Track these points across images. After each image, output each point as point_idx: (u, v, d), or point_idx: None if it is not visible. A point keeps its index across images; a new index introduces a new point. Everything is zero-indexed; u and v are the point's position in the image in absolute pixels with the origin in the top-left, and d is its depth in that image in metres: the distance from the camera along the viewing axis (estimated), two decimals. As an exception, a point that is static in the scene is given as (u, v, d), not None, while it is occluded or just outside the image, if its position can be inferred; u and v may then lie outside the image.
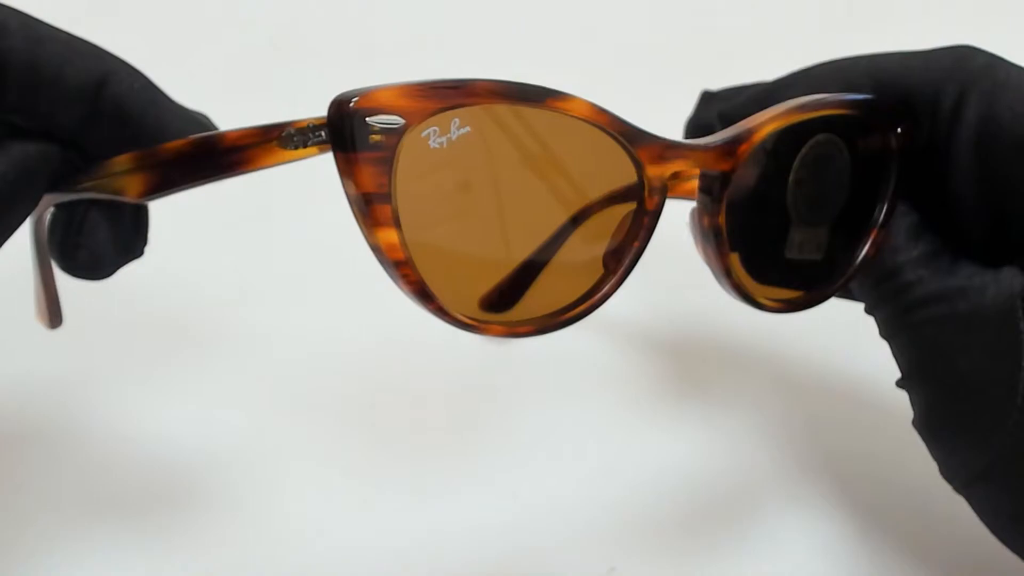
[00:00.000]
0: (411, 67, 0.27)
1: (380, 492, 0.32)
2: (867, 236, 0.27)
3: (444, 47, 0.61)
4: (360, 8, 0.64)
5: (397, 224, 0.20)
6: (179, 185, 0.23)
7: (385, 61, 0.58)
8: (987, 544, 0.26)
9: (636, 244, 0.24)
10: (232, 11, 0.62)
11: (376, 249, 0.21)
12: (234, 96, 0.44)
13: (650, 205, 0.24)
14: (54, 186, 0.24)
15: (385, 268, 0.21)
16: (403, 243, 0.21)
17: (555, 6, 0.66)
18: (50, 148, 0.24)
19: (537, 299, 0.24)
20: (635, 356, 0.40)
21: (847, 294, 0.29)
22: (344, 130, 0.20)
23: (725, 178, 0.24)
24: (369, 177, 0.20)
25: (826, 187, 0.27)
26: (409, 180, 0.20)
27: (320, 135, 0.21)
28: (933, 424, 0.26)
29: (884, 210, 0.27)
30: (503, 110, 0.22)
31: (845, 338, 0.36)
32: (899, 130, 0.27)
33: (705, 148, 0.24)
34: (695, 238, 0.26)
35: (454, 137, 0.21)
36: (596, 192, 0.24)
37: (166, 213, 0.29)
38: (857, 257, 0.27)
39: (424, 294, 0.21)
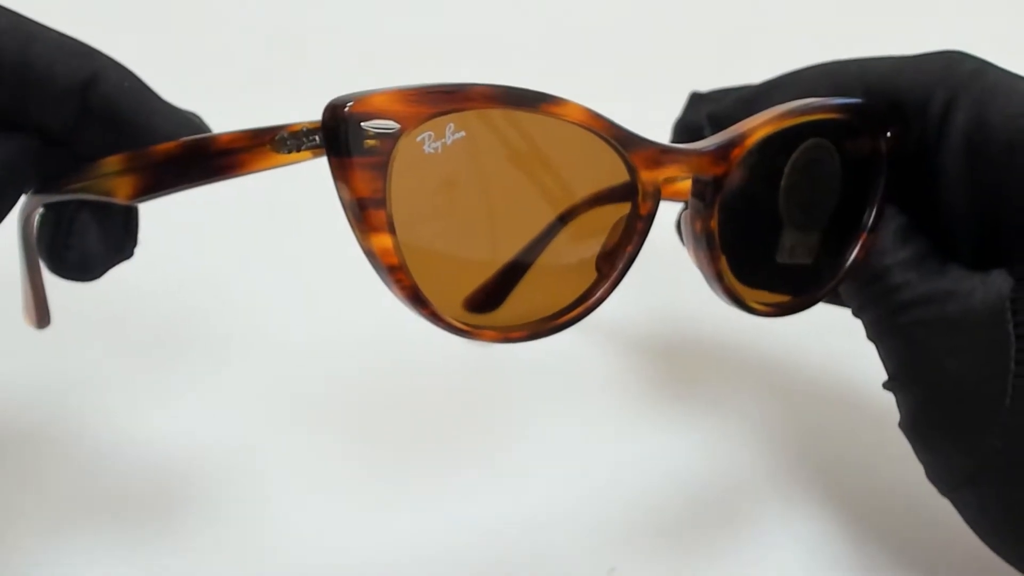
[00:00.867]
0: (407, 71, 0.27)
1: (379, 495, 0.32)
2: (856, 240, 0.27)
3: (441, 52, 0.61)
4: (358, 11, 0.64)
5: (391, 229, 0.20)
6: (170, 188, 0.22)
7: (382, 65, 0.58)
8: (975, 548, 0.26)
9: (630, 248, 0.24)
10: (229, 13, 0.62)
11: (370, 254, 0.21)
12: (228, 98, 0.43)
13: (644, 209, 0.24)
14: (43, 186, 0.24)
15: (379, 273, 0.21)
16: (397, 248, 0.20)
17: (549, 12, 0.66)
18: (34, 144, 0.23)
19: (530, 303, 0.24)
20: (633, 360, 0.40)
21: (834, 298, 0.29)
22: (339, 135, 0.20)
23: (718, 182, 0.24)
24: (363, 182, 0.20)
25: (817, 191, 0.27)
26: (404, 185, 0.20)
27: (314, 139, 0.20)
28: (920, 426, 0.26)
29: (873, 214, 0.27)
30: (498, 115, 0.22)
31: (836, 341, 0.36)
32: (888, 134, 0.27)
33: (699, 153, 0.24)
34: (687, 242, 0.26)
35: (449, 142, 0.21)
36: (590, 197, 0.24)
37: (158, 214, 0.29)
38: (846, 261, 0.27)
39: (418, 299, 0.21)
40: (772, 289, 0.28)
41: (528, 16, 0.65)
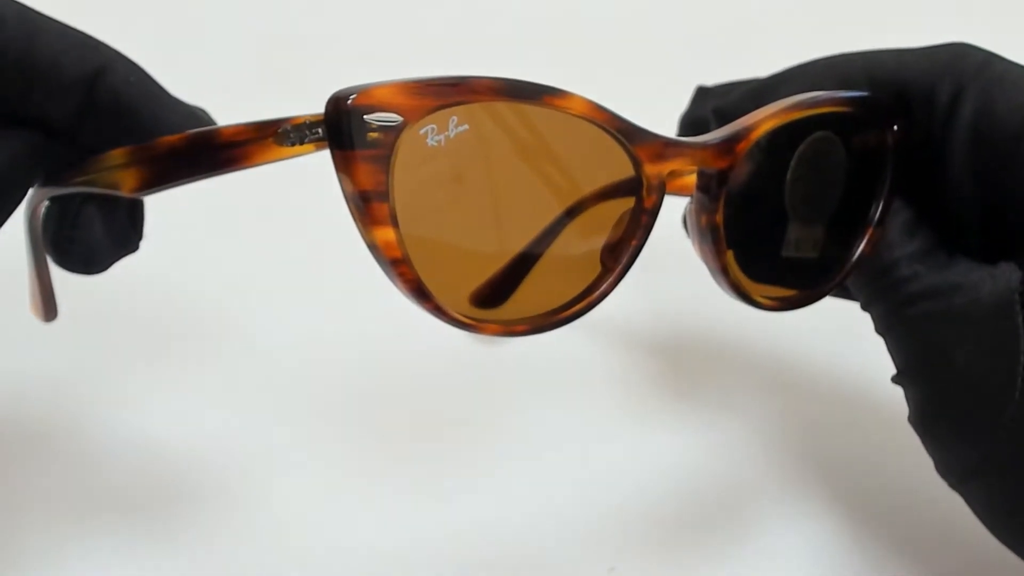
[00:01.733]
0: (411, 63, 0.27)
1: (379, 493, 0.32)
2: (863, 233, 0.27)
3: (444, 44, 0.61)
4: (362, 4, 0.64)
5: (394, 222, 0.20)
6: (174, 180, 0.22)
7: (385, 57, 0.58)
8: (984, 544, 0.26)
9: (634, 242, 0.24)
10: (233, 4, 0.62)
11: (373, 247, 0.21)
12: (234, 91, 0.43)
13: (648, 203, 0.24)
14: (49, 179, 0.24)
15: (382, 266, 0.21)
16: (400, 241, 0.20)
17: (556, 4, 0.65)
18: (40, 139, 0.24)
19: (534, 297, 0.24)
20: (636, 356, 0.39)
21: (842, 292, 0.29)
22: (341, 127, 0.20)
23: (723, 176, 0.24)
24: (366, 175, 0.20)
25: (823, 184, 0.27)
26: (407, 178, 0.20)
27: (317, 132, 0.20)
28: (929, 420, 0.26)
29: (880, 207, 0.27)
30: (501, 108, 0.21)
31: (842, 336, 0.36)
32: (895, 127, 0.27)
33: (703, 146, 0.24)
34: (692, 236, 0.26)
35: (452, 135, 0.21)
36: (594, 190, 0.24)
37: (163, 208, 0.29)
38: (853, 255, 0.27)
39: (421, 293, 0.21)
40: (777, 283, 0.27)
41: (534, 8, 0.65)
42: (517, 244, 0.23)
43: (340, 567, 0.29)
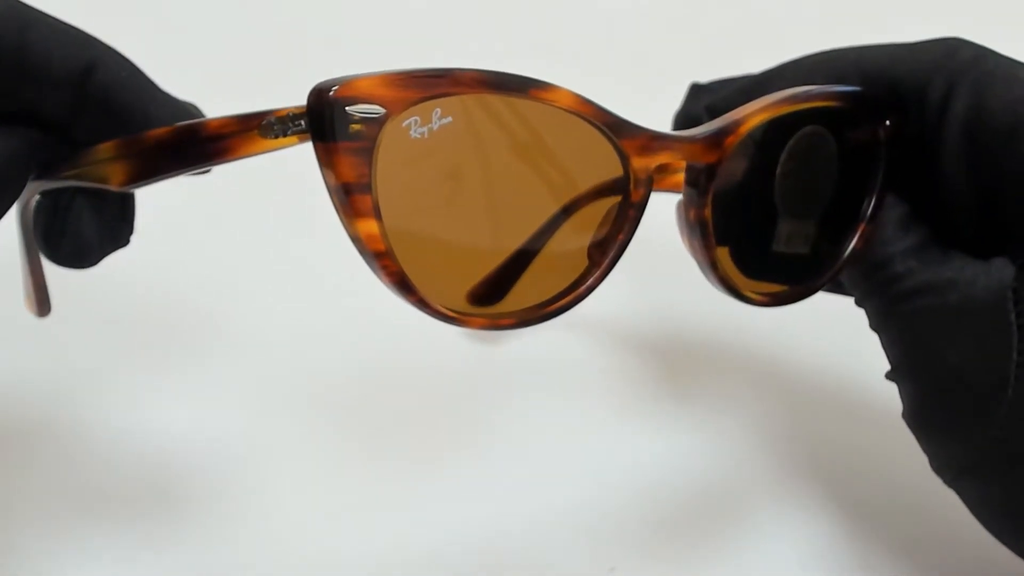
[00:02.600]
0: (395, 55, 0.27)
1: (377, 494, 0.32)
2: (855, 229, 0.27)
3: (431, 36, 0.61)
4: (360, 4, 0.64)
5: (377, 215, 0.20)
6: (162, 173, 0.22)
7: (371, 49, 0.57)
8: (980, 541, 0.26)
9: (621, 236, 0.24)
10: (231, 5, 0.62)
11: (356, 240, 0.21)
12: (227, 85, 0.43)
13: (635, 197, 0.24)
14: (40, 173, 0.24)
15: (365, 259, 0.21)
16: (383, 234, 0.20)
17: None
18: (35, 135, 0.24)
19: (521, 292, 0.24)
20: (632, 357, 0.39)
21: (836, 287, 0.29)
22: (324, 119, 0.20)
23: (711, 170, 0.24)
24: (349, 167, 0.20)
25: (814, 180, 0.27)
26: (390, 170, 0.20)
27: (300, 124, 0.20)
28: (923, 416, 0.26)
29: (873, 203, 0.27)
30: (486, 100, 0.21)
31: (834, 332, 0.36)
32: (887, 122, 0.27)
33: (691, 140, 0.24)
34: (681, 231, 0.26)
35: (436, 127, 0.21)
36: (581, 184, 0.24)
37: (156, 203, 0.29)
38: (845, 250, 0.27)
39: (405, 286, 0.21)
40: (768, 278, 0.27)
41: (526, 2, 0.65)
42: (501, 238, 0.23)
43: (337, 567, 0.29)
